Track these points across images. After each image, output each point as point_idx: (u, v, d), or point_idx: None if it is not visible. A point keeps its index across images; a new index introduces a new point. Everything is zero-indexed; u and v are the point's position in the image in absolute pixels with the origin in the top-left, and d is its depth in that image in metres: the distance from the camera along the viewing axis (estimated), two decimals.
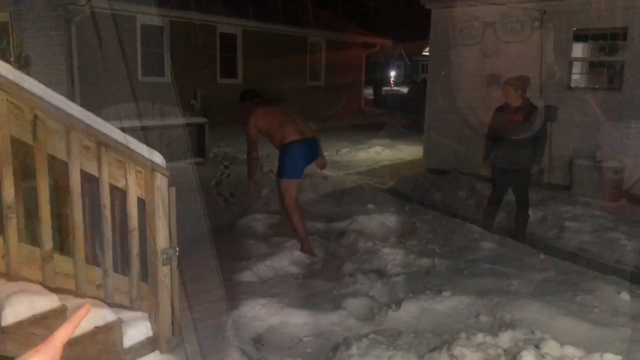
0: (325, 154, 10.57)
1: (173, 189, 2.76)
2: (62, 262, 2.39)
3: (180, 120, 8.77)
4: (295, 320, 3.40)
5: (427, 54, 14.96)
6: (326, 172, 8.60)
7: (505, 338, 2.74)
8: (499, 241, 4.99)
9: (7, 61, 10.36)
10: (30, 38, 12.53)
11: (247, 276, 3.99)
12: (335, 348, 2.98)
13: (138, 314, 2.79)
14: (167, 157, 8.86)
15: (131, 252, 2.66)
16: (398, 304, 3.47)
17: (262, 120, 4.49)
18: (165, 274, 2.78)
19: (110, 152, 2.50)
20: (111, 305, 2.63)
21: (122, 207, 2.71)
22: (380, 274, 4.18)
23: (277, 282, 3.92)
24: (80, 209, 2.43)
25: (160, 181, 2.68)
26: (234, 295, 3.61)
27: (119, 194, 2.69)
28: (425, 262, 4.36)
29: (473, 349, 2.56)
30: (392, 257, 4.52)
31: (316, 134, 4.73)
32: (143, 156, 2.60)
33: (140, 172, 2.66)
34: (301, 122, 4.66)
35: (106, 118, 7.08)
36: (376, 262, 4.48)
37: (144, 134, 8.07)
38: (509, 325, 2.92)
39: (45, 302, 2.31)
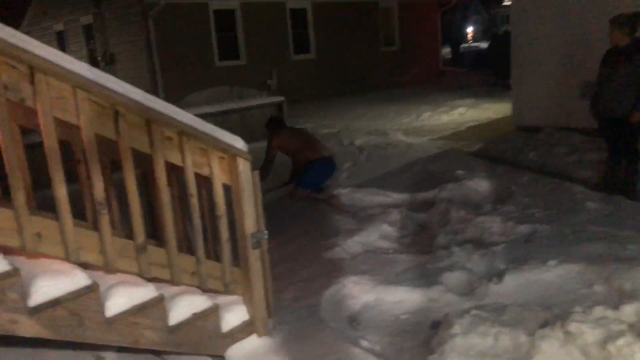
0: (405, 120, 10.35)
1: (256, 173, 2.72)
2: (156, 253, 2.43)
3: (259, 101, 8.85)
4: (390, 298, 3.29)
5: (509, 3, 13.96)
6: (409, 139, 8.34)
7: (629, 311, 2.45)
8: (606, 200, 4.54)
9: (95, 60, 10.90)
10: (113, 37, 13.19)
11: (336, 253, 3.93)
12: (435, 325, 2.84)
13: (233, 298, 2.81)
14: (249, 139, 8.97)
15: (221, 237, 2.66)
16: (499, 276, 3.25)
17: (286, 141, 5.41)
18: (256, 257, 2.76)
19: (192, 141, 2.49)
20: (206, 291, 2.66)
21: (208, 194, 2.71)
22: (477, 244, 3.95)
23: (367, 258, 3.82)
24: (169, 199, 2.44)
25: (243, 165, 2.64)
26: (325, 273, 3.57)
27: (204, 182, 2.69)
28: (525, 228, 4.05)
29: (591, 325, 2.31)
30: (488, 225, 4.26)
31: (332, 153, 5.70)
32: (225, 142, 2.56)
33: (223, 158, 2.63)
34: (319, 143, 5.60)
35: (188, 105, 7.36)
36: (471, 231, 4.24)
37: (225, 118, 8.23)
38: (632, 296, 2.62)
39: (144, 292, 2.36)
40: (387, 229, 4.43)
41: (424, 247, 4.04)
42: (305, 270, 3.63)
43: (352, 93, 15.41)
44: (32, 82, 1.93)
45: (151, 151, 2.36)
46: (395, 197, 5.29)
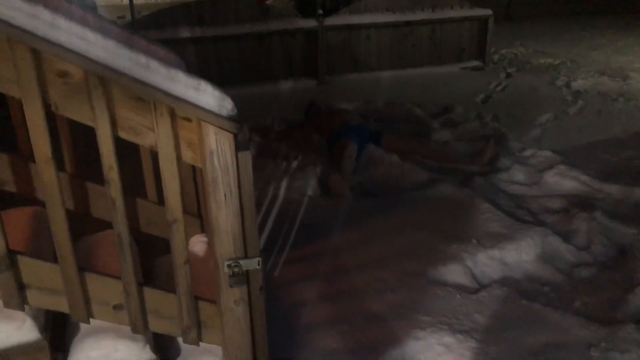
0: None
1: (247, 155, 1.45)
2: (38, 270, 1.45)
3: (456, 13, 6.99)
4: None
5: None
6: None
7: None
8: None
9: None
10: None
11: (451, 274, 2.49)
12: None
13: (207, 347, 1.73)
14: (437, 60, 7.01)
15: (174, 257, 1.54)
16: None
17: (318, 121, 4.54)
18: (236, 299, 1.59)
19: (115, 86, 1.33)
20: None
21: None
22: None
23: (494, 299, 2.31)
24: (56, 183, 1.37)
25: (217, 140, 1.40)
26: (409, 310, 2.22)
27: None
28: None
29: None
30: None
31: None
32: (174, 96, 1.33)
33: (188, 120, 1.43)
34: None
35: (362, 11, 6.26)
36: None
37: (409, 31, 6.70)
38: None
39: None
40: (556, 244, 2.74)
41: (601, 304, 2.31)
42: (387, 295, 2.31)
43: (607, 13, 11.96)
44: None
45: (19, 92, 1.28)
46: (595, 186, 3.40)
